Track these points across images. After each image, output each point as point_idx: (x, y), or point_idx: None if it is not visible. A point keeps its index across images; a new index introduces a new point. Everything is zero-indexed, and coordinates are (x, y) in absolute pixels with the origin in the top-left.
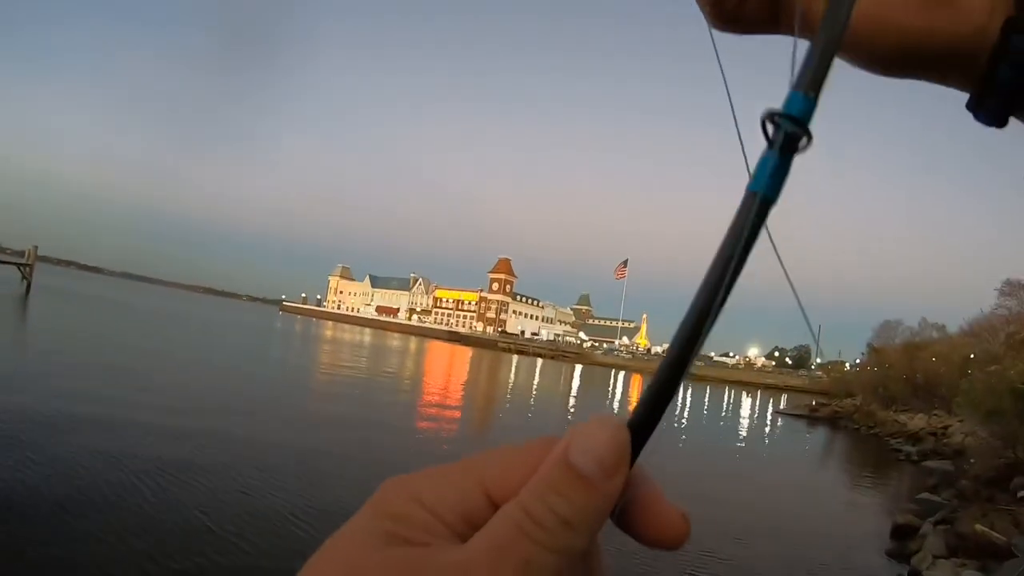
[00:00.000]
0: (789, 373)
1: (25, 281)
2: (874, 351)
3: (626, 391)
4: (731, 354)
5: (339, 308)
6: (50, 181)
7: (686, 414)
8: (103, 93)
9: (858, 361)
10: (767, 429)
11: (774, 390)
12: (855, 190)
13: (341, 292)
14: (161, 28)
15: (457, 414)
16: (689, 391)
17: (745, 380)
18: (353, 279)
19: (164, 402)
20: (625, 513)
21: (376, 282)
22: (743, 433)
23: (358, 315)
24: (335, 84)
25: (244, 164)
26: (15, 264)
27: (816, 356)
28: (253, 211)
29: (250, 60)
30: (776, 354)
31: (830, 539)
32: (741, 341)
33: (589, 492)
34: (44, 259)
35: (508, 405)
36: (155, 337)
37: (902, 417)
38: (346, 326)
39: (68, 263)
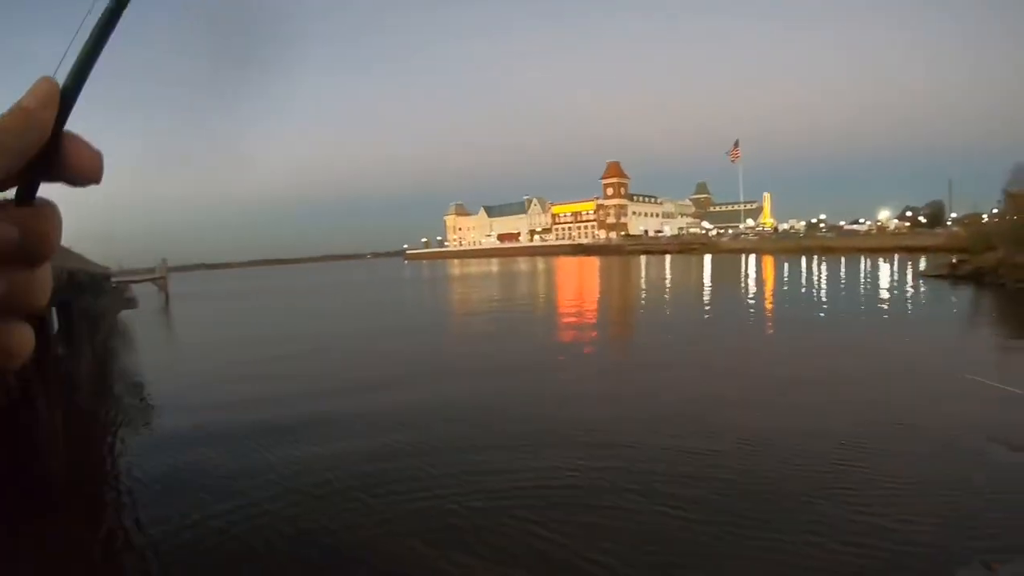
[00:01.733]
0: (924, 232)
1: (163, 293)
2: (1010, 197)
3: (760, 274)
4: (862, 220)
5: (461, 244)
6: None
7: (823, 286)
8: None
9: (995, 211)
10: (908, 295)
11: (911, 252)
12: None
13: (460, 229)
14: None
15: (595, 322)
16: (824, 264)
17: (879, 246)
18: (468, 213)
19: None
20: (56, 154)
21: (491, 211)
22: (883, 303)
23: (480, 247)
24: (408, 26)
25: (340, 128)
26: (150, 279)
27: (950, 210)
28: (359, 171)
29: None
30: (908, 214)
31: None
32: (870, 205)
33: (27, 119)
34: (175, 268)
35: (644, 306)
36: (303, 314)
37: None
38: (472, 260)
39: (197, 266)
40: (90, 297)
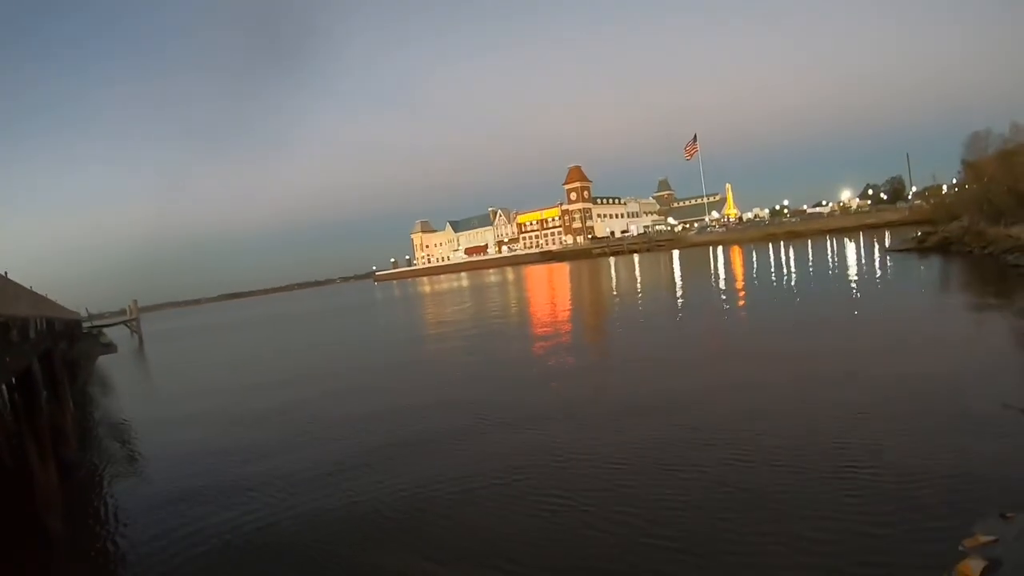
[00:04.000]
0: (887, 208)
1: (135, 335)
2: (969, 167)
3: (728, 264)
4: (824, 202)
5: (429, 261)
6: (111, 236)
7: (793, 271)
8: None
9: (955, 181)
10: (876, 270)
11: (875, 229)
12: None
13: (427, 246)
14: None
15: (570, 326)
16: (791, 249)
17: (844, 226)
18: (434, 230)
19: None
20: None
21: (457, 226)
22: (854, 279)
23: (449, 263)
24: (359, 57)
25: (293, 159)
26: (122, 322)
27: (911, 184)
28: (321, 198)
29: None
30: (870, 192)
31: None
32: (831, 187)
33: None
34: (145, 309)
35: (618, 305)
36: (279, 340)
37: (1014, 230)
38: (441, 276)
39: (168, 305)
40: (66, 344)
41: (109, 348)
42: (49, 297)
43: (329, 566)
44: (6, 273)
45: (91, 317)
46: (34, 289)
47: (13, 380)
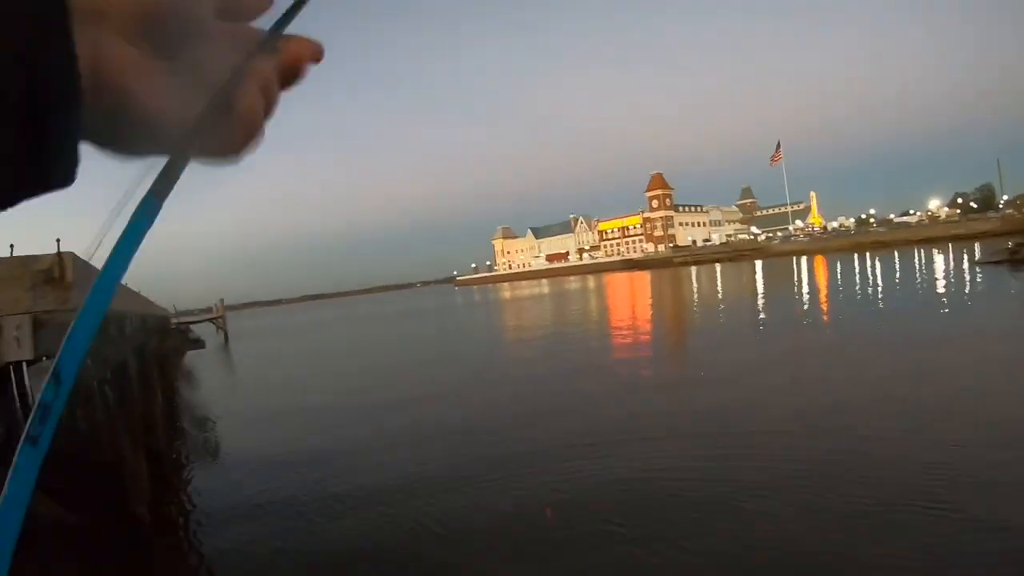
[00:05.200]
0: (977, 218)
1: (221, 332)
2: None
3: (812, 275)
4: (912, 211)
5: (510, 267)
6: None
7: (879, 283)
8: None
9: None
10: (966, 284)
11: (965, 240)
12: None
13: (508, 252)
14: None
15: (648, 338)
16: (876, 260)
17: (931, 236)
18: (516, 236)
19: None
20: None
21: (538, 233)
22: (942, 293)
23: (530, 269)
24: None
25: (378, 164)
26: (209, 319)
27: (1002, 192)
28: (403, 204)
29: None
30: (959, 201)
31: None
32: (919, 195)
33: None
34: (231, 307)
35: (698, 316)
36: (365, 343)
37: None
38: (522, 283)
39: (252, 304)
40: (157, 340)
41: (197, 344)
42: (141, 294)
43: None
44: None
45: (179, 314)
46: (128, 286)
47: (108, 374)
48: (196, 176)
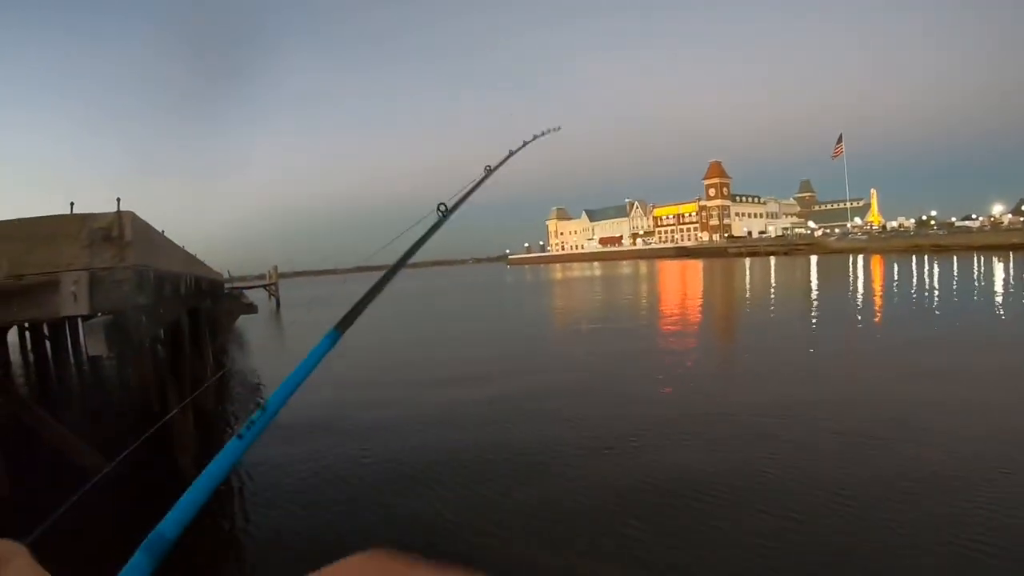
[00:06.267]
0: None
1: (273, 298)
2: None
3: (868, 276)
4: (974, 216)
5: (563, 249)
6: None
7: (937, 289)
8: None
9: None
10: None
11: None
12: None
13: (561, 233)
14: None
15: (696, 328)
16: (934, 264)
17: (994, 243)
18: (570, 218)
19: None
20: None
21: (593, 215)
22: (1000, 310)
23: (582, 251)
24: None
25: (434, 139)
26: (262, 286)
27: None
28: (458, 178)
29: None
30: None
31: None
32: (983, 199)
33: None
34: (284, 275)
35: (749, 309)
36: (418, 315)
37: None
38: (574, 264)
39: (304, 273)
40: (210, 303)
41: (250, 308)
42: (198, 257)
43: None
44: (163, 231)
45: (233, 279)
46: (184, 247)
47: (161, 333)
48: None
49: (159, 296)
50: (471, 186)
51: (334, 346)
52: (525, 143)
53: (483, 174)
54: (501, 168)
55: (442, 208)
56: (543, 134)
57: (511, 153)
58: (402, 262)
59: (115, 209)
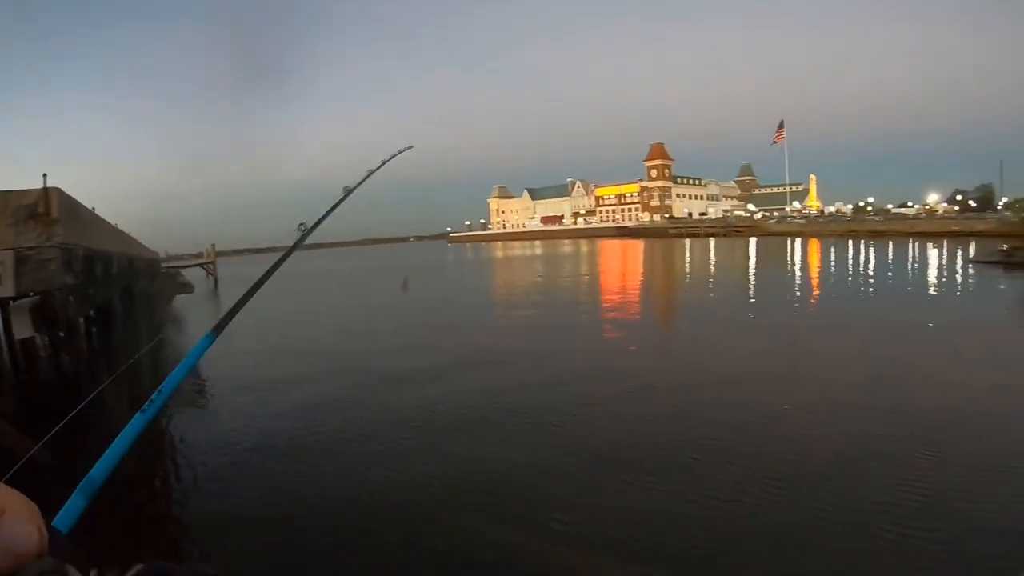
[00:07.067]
0: (975, 217)
1: (211, 276)
2: None
3: (804, 256)
4: (910, 204)
5: (504, 227)
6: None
7: (871, 271)
8: None
9: None
10: (959, 281)
11: (961, 237)
12: None
13: (503, 212)
14: None
15: (638, 306)
16: (870, 248)
17: (928, 230)
18: (512, 196)
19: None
20: None
21: (535, 194)
22: (931, 289)
23: (524, 230)
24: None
25: (374, 115)
26: (199, 264)
27: (1002, 194)
28: (399, 158)
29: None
30: (958, 198)
31: None
32: (918, 188)
33: None
34: (222, 253)
35: (688, 287)
36: (363, 296)
37: None
38: (515, 243)
39: (242, 251)
40: (145, 282)
41: (186, 288)
42: (131, 235)
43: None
44: (94, 209)
45: (170, 258)
46: (119, 227)
47: (92, 312)
48: None
49: (89, 276)
50: (331, 206)
51: (210, 346)
52: (384, 162)
53: (342, 194)
54: (392, 162)
55: (302, 226)
56: (398, 153)
57: (370, 172)
58: (260, 283)
59: (41, 186)
